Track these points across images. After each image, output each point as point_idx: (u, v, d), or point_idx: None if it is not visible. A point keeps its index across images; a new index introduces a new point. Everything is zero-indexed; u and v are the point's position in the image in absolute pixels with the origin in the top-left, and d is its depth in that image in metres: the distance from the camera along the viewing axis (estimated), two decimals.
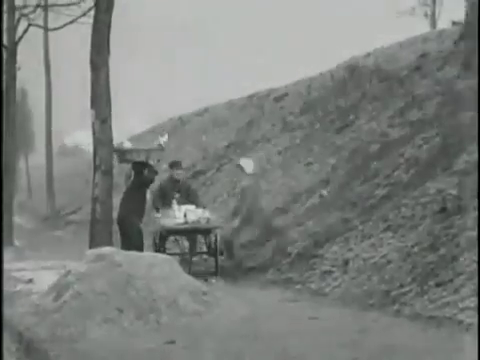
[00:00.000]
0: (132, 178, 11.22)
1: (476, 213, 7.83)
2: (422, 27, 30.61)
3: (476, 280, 6.67)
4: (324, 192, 12.25)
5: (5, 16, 19.67)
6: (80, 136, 56.43)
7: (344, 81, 17.05)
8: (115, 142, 12.09)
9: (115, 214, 11.35)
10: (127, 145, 11.81)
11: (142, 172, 11.07)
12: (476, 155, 9.04)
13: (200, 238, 11.46)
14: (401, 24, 33.06)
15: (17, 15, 20.31)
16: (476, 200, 8.01)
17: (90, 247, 10.61)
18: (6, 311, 7.34)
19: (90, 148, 12.53)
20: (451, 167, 9.50)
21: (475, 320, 6.14)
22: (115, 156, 12.03)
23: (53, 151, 35.79)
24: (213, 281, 10.09)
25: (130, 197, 10.99)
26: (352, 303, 7.77)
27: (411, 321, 6.74)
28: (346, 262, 8.93)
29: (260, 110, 20.40)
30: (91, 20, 12.00)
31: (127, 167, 11.67)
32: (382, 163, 11.55)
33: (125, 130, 29.36)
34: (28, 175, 47.62)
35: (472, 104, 10.21)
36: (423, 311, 6.83)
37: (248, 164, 9.12)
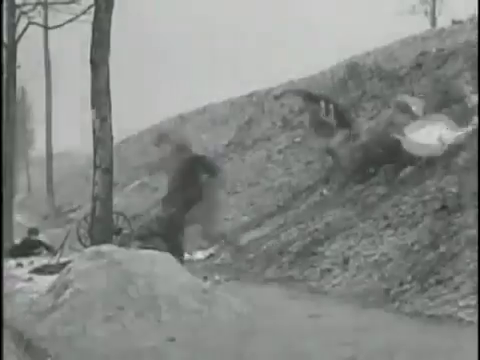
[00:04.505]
0: None
1: (476, 211, 7.83)
2: (422, 25, 30.70)
3: (476, 278, 6.67)
4: (324, 190, 12.25)
5: (5, 14, 19.66)
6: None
7: (344, 80, 17.07)
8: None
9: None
10: None
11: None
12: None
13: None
14: (401, 22, 33.12)
15: (17, 13, 20.30)
16: (476, 198, 8.01)
17: (90, 245, 10.62)
18: (6, 310, 7.35)
19: None
20: (451, 165, 9.50)
21: (475, 318, 6.14)
22: None
23: None
24: (216, 278, 10.06)
25: None
26: (352, 301, 7.76)
27: (411, 319, 6.74)
28: (346, 260, 8.93)
29: (260, 108, 20.40)
30: (91, 18, 11.99)
31: None
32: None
33: (124, 129, 29.35)
34: (28, 173, 47.67)
35: None
36: (423, 309, 6.82)
37: (417, 104, 7.42)
